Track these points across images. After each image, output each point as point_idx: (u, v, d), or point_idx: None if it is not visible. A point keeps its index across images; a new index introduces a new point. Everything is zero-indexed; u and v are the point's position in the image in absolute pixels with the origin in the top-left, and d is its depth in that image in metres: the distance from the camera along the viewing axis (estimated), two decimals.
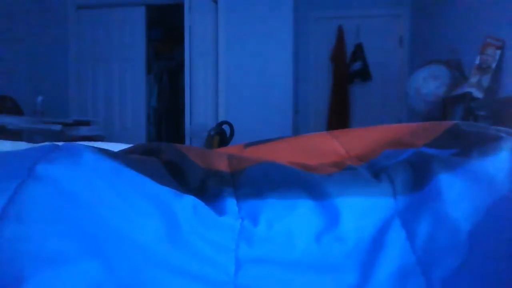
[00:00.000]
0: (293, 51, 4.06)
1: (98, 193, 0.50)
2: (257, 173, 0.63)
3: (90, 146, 0.57)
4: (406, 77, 3.91)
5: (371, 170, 0.66)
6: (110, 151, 0.60)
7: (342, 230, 0.54)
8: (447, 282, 0.48)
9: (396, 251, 0.52)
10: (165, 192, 0.53)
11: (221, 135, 3.37)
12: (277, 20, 3.98)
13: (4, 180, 0.49)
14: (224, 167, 0.67)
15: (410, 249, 0.52)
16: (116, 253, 0.47)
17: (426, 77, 2.95)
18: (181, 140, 4.75)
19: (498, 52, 2.42)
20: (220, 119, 3.91)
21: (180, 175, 0.62)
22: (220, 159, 0.70)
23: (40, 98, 3.64)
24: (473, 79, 2.48)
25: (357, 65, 4.52)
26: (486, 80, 2.44)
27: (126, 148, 0.78)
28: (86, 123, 3.75)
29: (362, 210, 0.56)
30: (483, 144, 0.61)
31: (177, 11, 4.33)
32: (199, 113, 4.02)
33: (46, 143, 0.71)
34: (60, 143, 0.62)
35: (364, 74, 4.52)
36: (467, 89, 2.50)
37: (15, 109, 3.74)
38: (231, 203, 0.56)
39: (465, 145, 0.64)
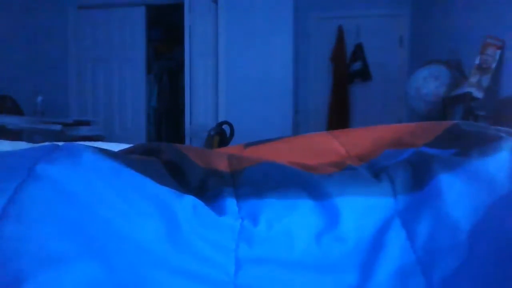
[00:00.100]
0: (293, 51, 4.06)
1: (98, 193, 0.50)
2: (257, 173, 0.63)
3: (90, 146, 0.57)
4: (406, 77, 3.90)
5: (371, 170, 0.66)
6: (110, 151, 0.60)
7: (342, 230, 0.54)
8: (447, 282, 0.48)
9: (396, 251, 0.52)
10: (165, 192, 0.53)
11: (221, 135, 3.37)
12: (277, 20, 3.98)
13: (4, 180, 0.49)
14: (224, 167, 0.67)
15: (410, 249, 0.52)
16: (116, 253, 0.47)
17: (426, 77, 2.95)
18: (181, 140, 4.75)
19: (498, 52, 2.42)
20: (220, 119, 3.91)
21: (180, 175, 0.62)
22: (220, 159, 0.70)
23: (40, 98, 3.65)
24: (473, 79, 2.48)
25: (357, 65, 4.52)
26: (486, 80, 2.44)
27: (126, 148, 0.78)
28: (86, 123, 3.76)
29: (362, 210, 0.56)
30: (483, 144, 0.61)
31: (177, 11, 4.33)
32: (199, 113, 4.02)
33: (46, 143, 0.71)
34: (60, 143, 0.62)
35: (364, 74, 4.52)
36: (467, 89, 2.50)
37: (15, 109, 3.74)
38: (231, 203, 0.56)
39: (465, 145, 0.64)
